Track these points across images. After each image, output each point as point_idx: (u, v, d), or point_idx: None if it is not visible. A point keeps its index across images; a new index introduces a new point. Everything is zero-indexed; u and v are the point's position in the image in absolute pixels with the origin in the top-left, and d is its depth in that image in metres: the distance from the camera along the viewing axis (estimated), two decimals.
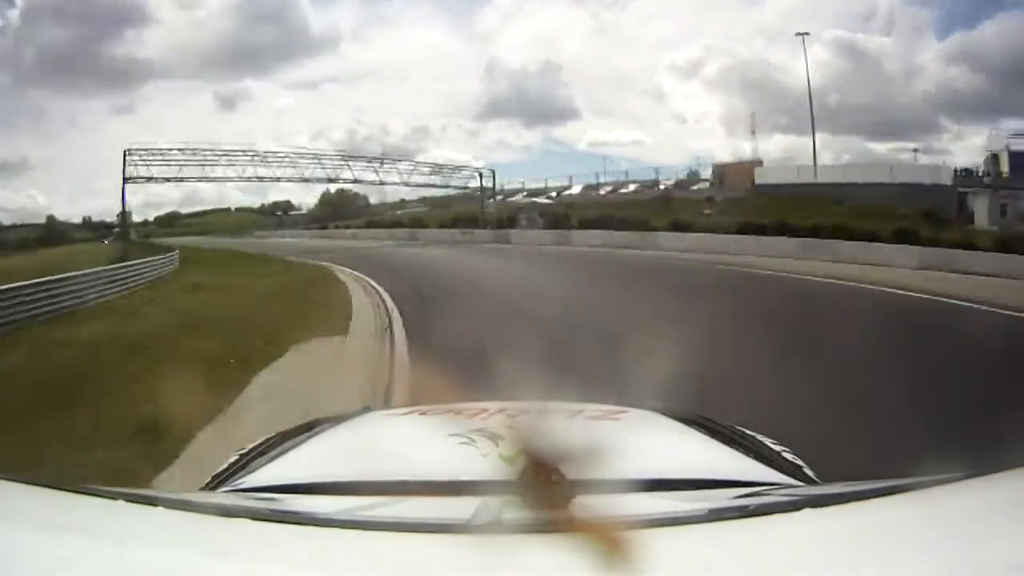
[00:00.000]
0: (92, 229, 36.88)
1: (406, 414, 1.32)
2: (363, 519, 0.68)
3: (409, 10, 47.98)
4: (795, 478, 1.05)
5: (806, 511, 0.65)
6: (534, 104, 37.85)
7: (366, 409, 1.47)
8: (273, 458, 1.14)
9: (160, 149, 25.31)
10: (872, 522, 0.62)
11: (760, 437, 1.35)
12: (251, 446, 1.32)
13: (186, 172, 25.72)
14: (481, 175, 30.90)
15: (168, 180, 26.12)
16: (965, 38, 32.29)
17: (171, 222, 41.89)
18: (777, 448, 1.28)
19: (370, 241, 28.52)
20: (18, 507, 0.64)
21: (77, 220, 37.06)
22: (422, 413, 1.30)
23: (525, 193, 33.94)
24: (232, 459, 1.25)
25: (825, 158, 27.81)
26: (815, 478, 1.13)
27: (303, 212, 42.50)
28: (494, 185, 31.26)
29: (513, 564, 0.50)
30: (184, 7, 39.91)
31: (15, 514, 0.62)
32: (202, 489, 1.10)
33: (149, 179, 25.46)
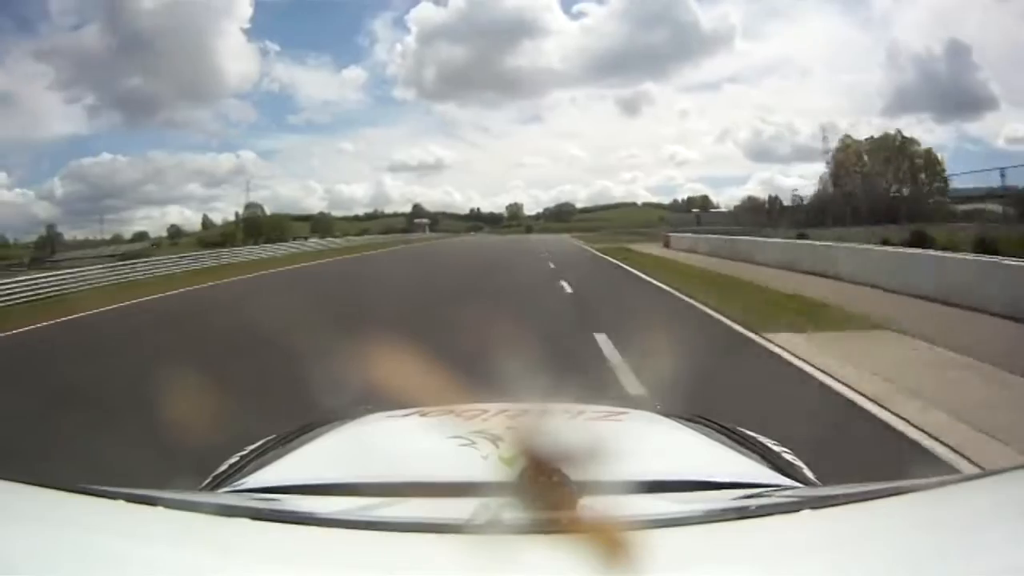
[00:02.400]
0: (479, 220, 47.17)
1: (406, 415, 1.32)
2: (363, 519, 0.68)
3: None
4: (795, 479, 1.04)
5: (806, 512, 0.65)
6: (943, 93, 31.26)
7: (367, 410, 1.47)
8: (273, 458, 1.14)
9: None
10: (872, 524, 0.62)
11: (760, 438, 1.35)
12: (251, 447, 1.32)
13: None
14: None
15: None
16: None
17: (562, 216, 43.68)
18: (777, 449, 1.28)
19: None
20: (18, 507, 0.64)
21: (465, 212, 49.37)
22: (422, 414, 1.30)
23: None
24: (232, 460, 1.25)
25: None
26: (815, 479, 1.13)
27: (723, 211, 35.44)
28: None
29: (513, 565, 0.50)
30: (573, 17, 39.50)
31: (15, 514, 0.62)
32: (202, 489, 1.10)
33: None
